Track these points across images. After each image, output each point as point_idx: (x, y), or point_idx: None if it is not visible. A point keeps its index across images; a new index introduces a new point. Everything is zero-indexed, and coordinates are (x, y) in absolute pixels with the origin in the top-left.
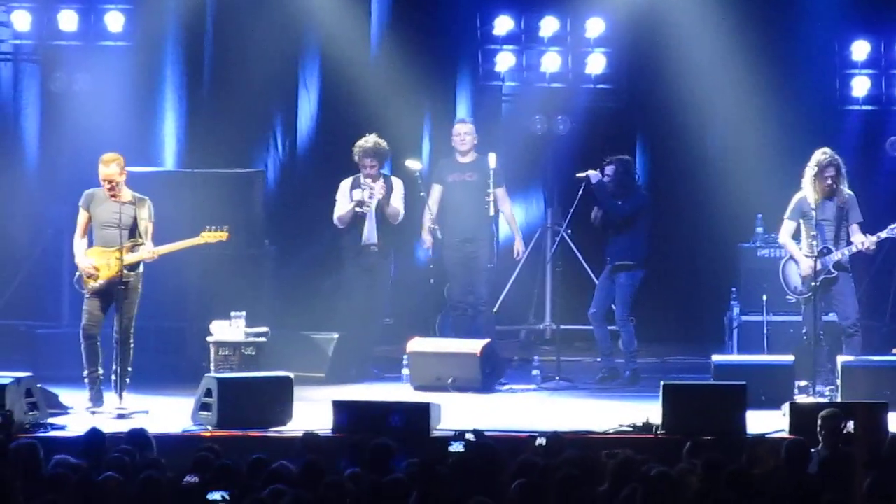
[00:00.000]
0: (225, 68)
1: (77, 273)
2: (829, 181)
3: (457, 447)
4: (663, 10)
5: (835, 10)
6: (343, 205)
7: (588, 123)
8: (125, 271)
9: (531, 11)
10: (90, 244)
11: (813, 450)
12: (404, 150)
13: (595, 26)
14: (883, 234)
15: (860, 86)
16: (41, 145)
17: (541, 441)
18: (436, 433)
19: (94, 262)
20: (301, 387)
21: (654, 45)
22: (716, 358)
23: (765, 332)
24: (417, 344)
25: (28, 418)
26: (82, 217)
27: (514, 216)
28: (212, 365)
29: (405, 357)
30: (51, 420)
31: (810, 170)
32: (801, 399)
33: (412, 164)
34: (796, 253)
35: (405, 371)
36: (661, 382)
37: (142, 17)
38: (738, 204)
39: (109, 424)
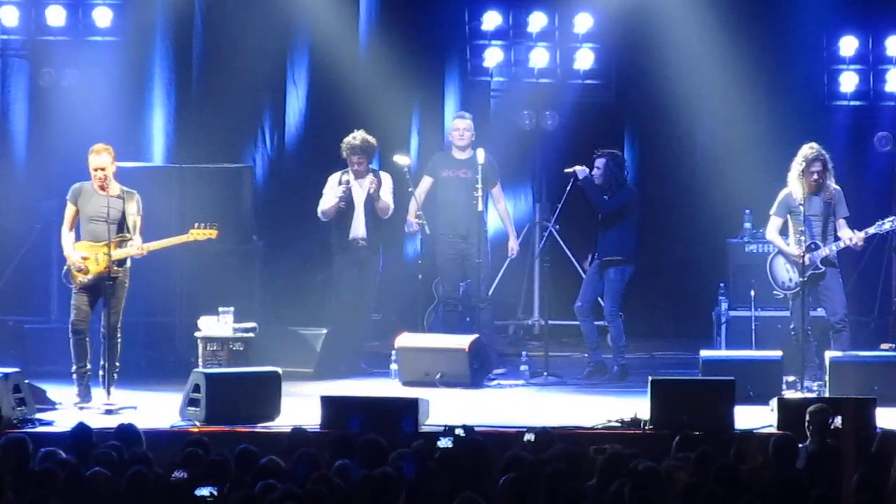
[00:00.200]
0: (213, 64)
1: (65, 267)
2: (816, 176)
3: (445, 442)
4: (651, 6)
5: (823, 5)
6: (328, 199)
7: (576, 119)
8: (113, 266)
9: (519, 7)
10: (77, 238)
11: (801, 445)
12: (393, 146)
13: (583, 21)
14: (871, 230)
15: (848, 81)
16: (30, 141)
17: (529, 436)
18: (424, 428)
19: (84, 255)
20: (289, 382)
21: (643, 41)
22: (704, 353)
23: (753, 327)
24: (406, 339)
25: (16, 414)
26: (69, 210)
27: (508, 213)
28: (200, 360)
29: (393, 352)
30: (39, 416)
31: (797, 165)
32: (789, 394)
33: (400, 160)
34: (784, 248)
35: (393, 366)
36: (650, 378)
37: (130, 13)
38: (727, 199)
39: (97, 420)
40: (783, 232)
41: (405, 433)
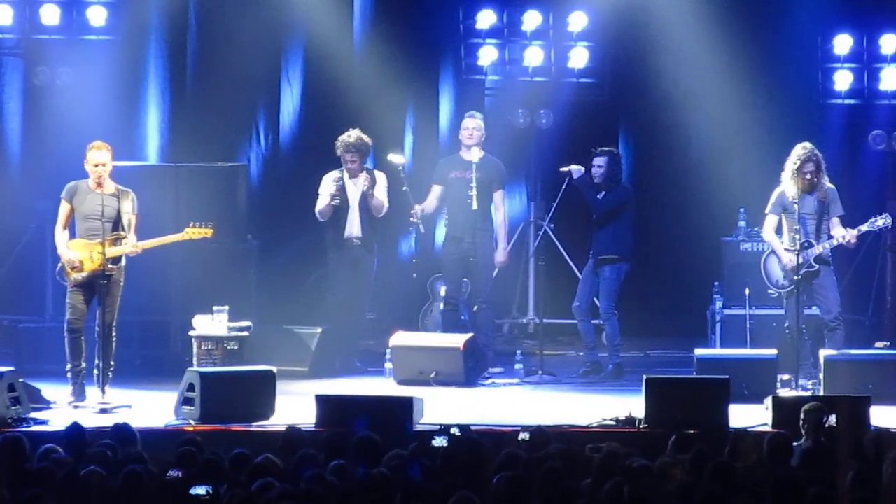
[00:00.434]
0: (208, 63)
1: (59, 264)
2: (809, 176)
3: (440, 441)
4: (646, 4)
5: (818, 4)
6: (323, 199)
7: (571, 117)
8: (108, 264)
9: (514, 5)
10: (72, 236)
11: (795, 443)
12: (387, 144)
13: (578, 20)
14: (864, 228)
15: (843, 80)
16: (24, 140)
17: (524, 435)
18: (419, 427)
19: (78, 254)
20: (284, 381)
21: (637, 39)
22: (699, 352)
23: (747, 325)
24: (401, 338)
25: (11, 413)
26: (64, 209)
27: (505, 223)
28: (195, 359)
29: (388, 351)
30: (33, 415)
31: (790, 164)
32: (783, 393)
33: (395, 158)
34: (778, 248)
35: (388, 365)
36: (644, 376)
37: (125, 11)
38: (721, 197)
39: (92, 419)
40: (778, 230)
41: (407, 433)
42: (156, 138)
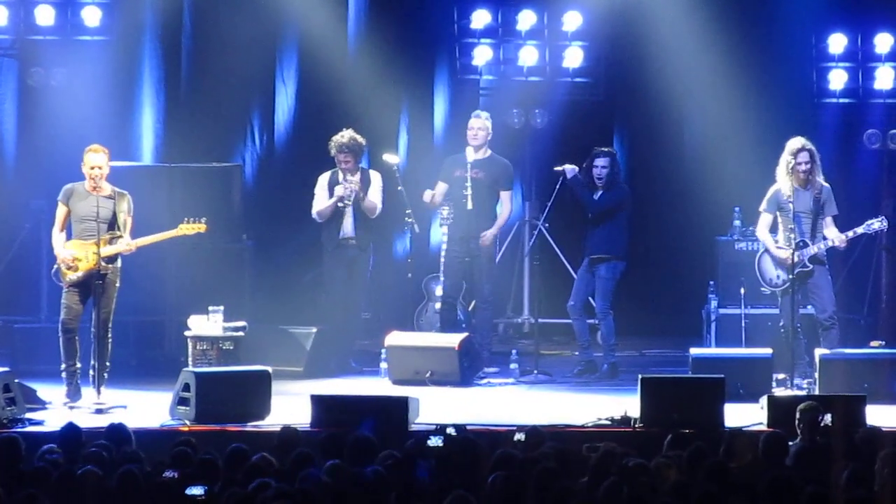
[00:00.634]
0: (203, 63)
1: (55, 265)
2: (804, 167)
3: (436, 441)
4: (640, 4)
5: (812, 3)
6: (322, 199)
7: (566, 117)
8: (103, 264)
9: (508, 5)
10: (68, 237)
11: (791, 443)
12: (382, 144)
13: (572, 20)
14: (860, 230)
15: (837, 79)
16: (19, 140)
17: (519, 436)
18: (414, 427)
19: (74, 252)
20: (279, 381)
21: (632, 39)
22: (694, 351)
23: (742, 325)
24: (396, 338)
25: (6, 413)
26: (61, 211)
27: (504, 218)
28: (190, 359)
29: (383, 351)
30: (29, 415)
31: (784, 159)
32: (778, 392)
33: (390, 158)
34: (771, 245)
35: (383, 365)
36: (640, 376)
37: (119, 12)
38: (716, 197)
39: (87, 419)
40: (773, 229)
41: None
42: (150, 138)
